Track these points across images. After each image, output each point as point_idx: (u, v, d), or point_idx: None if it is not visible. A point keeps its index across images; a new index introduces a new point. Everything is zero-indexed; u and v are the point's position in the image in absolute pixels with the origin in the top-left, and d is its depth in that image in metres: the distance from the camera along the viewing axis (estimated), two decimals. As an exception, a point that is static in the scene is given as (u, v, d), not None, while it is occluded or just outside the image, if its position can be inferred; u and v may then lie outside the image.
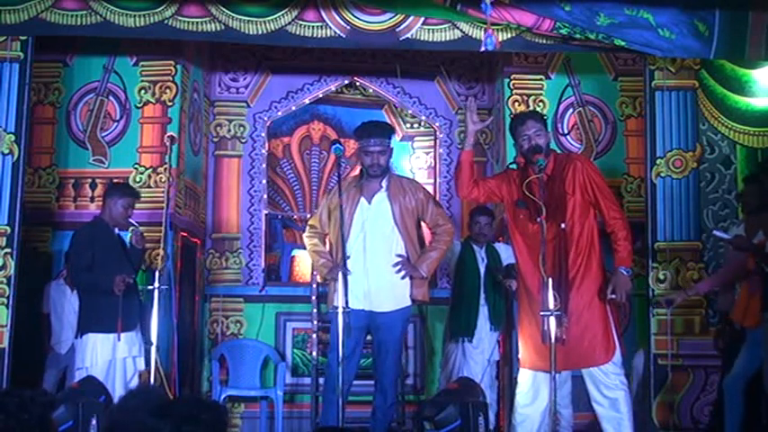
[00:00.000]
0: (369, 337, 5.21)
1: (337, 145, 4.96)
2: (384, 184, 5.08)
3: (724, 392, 4.97)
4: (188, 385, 6.45)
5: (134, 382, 5.23)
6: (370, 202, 5.07)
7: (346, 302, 4.54)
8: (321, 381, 5.78)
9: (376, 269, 4.98)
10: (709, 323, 5.59)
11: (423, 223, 5.28)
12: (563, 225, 4.38)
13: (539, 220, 4.31)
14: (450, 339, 6.18)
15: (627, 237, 4.41)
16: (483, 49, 5.09)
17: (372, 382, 5.19)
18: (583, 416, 5.30)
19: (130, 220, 5.41)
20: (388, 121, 7.61)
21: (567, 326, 4.27)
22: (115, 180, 6.01)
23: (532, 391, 4.43)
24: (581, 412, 5.21)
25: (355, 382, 5.04)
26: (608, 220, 4.43)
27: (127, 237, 5.46)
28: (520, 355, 4.56)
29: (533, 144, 4.48)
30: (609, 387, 4.35)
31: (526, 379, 4.47)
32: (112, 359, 5.17)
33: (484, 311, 6.03)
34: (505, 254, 5.94)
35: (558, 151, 4.91)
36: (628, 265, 4.39)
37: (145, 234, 5.58)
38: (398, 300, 5.05)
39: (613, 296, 4.35)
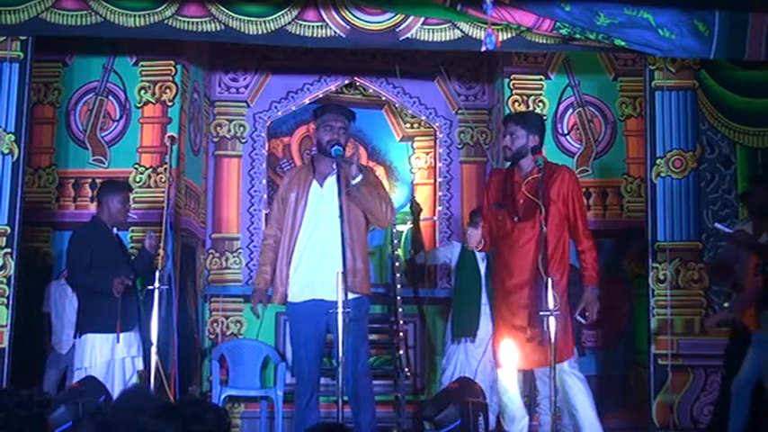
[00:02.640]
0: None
1: (337, 146, 4.90)
2: (335, 165, 4.65)
3: (732, 394, 4.95)
4: (198, 384, 6.46)
5: (133, 382, 5.23)
6: (322, 185, 4.78)
7: (345, 301, 4.49)
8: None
9: (327, 256, 4.57)
10: (709, 323, 5.60)
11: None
12: (545, 229, 4.42)
13: (539, 220, 4.39)
14: (452, 340, 6.18)
15: (596, 257, 4.57)
16: (483, 48, 5.09)
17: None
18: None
19: (150, 231, 5.35)
20: (388, 121, 7.59)
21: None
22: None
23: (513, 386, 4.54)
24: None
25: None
26: (581, 238, 4.55)
27: (126, 237, 5.45)
28: (498, 356, 4.61)
29: (518, 146, 4.58)
30: (566, 381, 4.44)
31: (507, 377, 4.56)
32: (111, 359, 5.16)
33: (485, 311, 6.03)
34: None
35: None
36: (596, 285, 4.52)
37: (145, 234, 5.58)
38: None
39: (584, 317, 4.49)
